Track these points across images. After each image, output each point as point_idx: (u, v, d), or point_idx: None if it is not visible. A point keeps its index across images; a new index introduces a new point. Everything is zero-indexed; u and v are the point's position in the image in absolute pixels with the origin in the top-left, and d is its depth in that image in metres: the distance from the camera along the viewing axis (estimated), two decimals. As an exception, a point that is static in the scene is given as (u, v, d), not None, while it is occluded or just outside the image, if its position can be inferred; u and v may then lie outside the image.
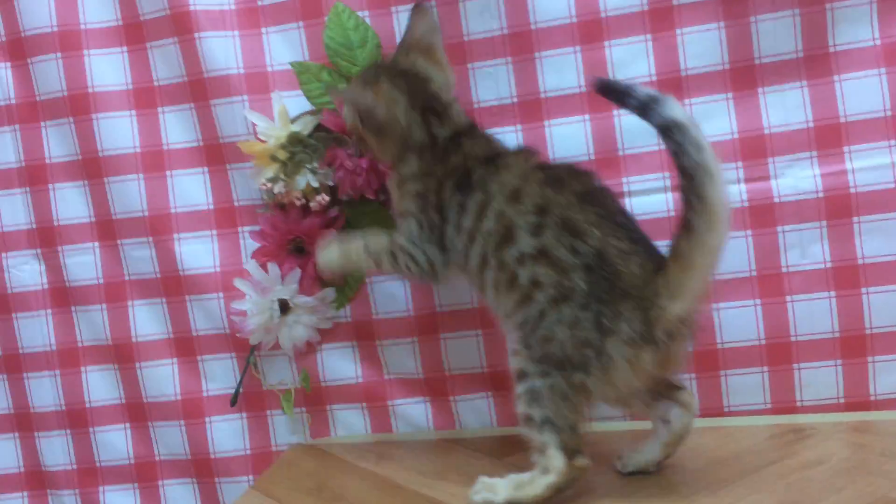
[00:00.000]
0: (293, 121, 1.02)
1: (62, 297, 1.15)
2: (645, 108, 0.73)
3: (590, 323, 0.75)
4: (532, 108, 1.02)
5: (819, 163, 0.98)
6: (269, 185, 1.01)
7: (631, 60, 0.99)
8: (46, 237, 1.15)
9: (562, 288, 0.76)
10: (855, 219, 0.97)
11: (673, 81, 0.99)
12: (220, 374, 1.13)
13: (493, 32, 1.01)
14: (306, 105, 1.04)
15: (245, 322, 1.06)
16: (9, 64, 1.13)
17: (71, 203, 1.13)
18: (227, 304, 1.09)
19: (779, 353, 1.00)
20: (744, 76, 0.98)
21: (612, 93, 0.77)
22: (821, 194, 0.97)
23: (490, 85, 1.02)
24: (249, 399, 1.13)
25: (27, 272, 1.16)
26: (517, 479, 0.80)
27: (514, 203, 0.80)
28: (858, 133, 0.97)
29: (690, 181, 0.71)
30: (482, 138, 0.89)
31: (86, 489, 1.18)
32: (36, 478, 1.20)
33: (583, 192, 0.80)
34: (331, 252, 0.94)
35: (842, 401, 1.00)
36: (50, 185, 1.14)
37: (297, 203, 1.03)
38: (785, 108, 0.98)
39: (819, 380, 1.00)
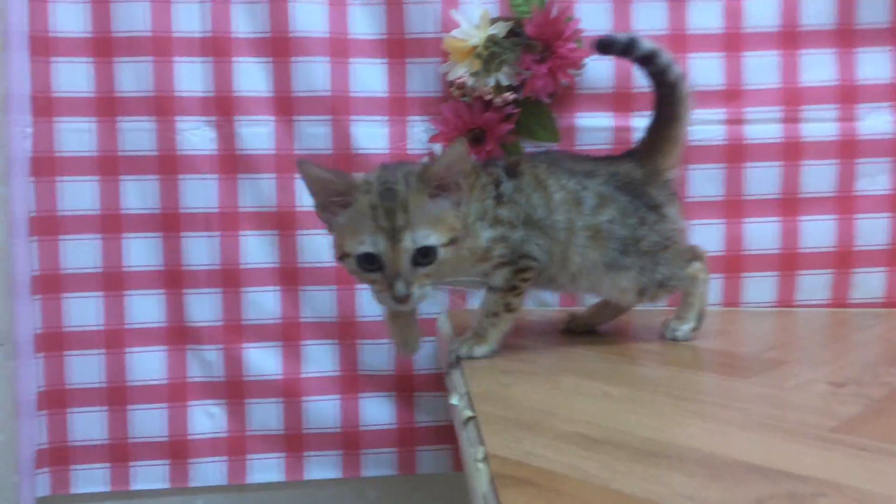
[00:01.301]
0: (491, 23, 1.18)
1: (232, 163, 1.24)
2: (627, 49, 1.02)
3: (646, 213, 0.97)
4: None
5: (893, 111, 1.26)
6: (467, 77, 1.17)
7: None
8: (224, 106, 1.23)
9: (623, 211, 0.96)
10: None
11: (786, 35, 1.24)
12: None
13: None
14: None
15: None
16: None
17: (252, 76, 1.23)
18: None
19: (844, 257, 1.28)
20: (844, 37, 1.25)
21: (608, 47, 1.03)
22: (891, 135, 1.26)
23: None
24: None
25: (198, 136, 1.24)
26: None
27: (555, 176, 0.97)
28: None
29: (674, 87, 1.02)
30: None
31: (230, 345, 1.27)
32: (178, 333, 1.27)
33: (567, 156, 1.05)
34: (489, 347, 0.94)
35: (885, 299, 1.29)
36: (234, 58, 1.23)
37: (486, 97, 1.19)
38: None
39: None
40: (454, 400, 0.79)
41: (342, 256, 0.85)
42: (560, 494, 0.52)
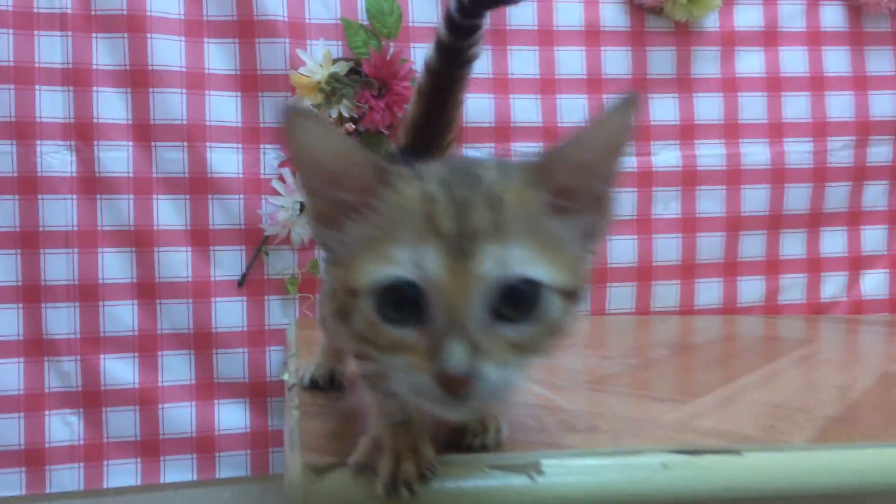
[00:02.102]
0: (334, 62, 1.33)
1: (91, 185, 1.33)
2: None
3: None
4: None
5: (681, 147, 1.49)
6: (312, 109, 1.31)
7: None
8: (83, 132, 1.32)
9: None
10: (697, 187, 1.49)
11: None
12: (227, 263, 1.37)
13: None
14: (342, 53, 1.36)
15: (273, 215, 1.33)
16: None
17: (111, 104, 1.33)
18: (246, 206, 1.35)
19: (644, 272, 1.49)
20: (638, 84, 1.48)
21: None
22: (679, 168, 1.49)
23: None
24: (251, 285, 1.38)
25: (58, 160, 1.32)
26: None
27: None
28: (703, 131, 1.50)
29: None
30: None
31: (87, 356, 1.34)
32: (36, 345, 1.33)
33: None
34: None
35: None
36: (94, 88, 1.32)
37: (328, 126, 1.33)
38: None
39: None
40: (285, 376, 0.91)
41: (348, 294, 0.47)
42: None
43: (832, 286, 1.57)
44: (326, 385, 0.81)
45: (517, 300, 0.44)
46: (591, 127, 0.49)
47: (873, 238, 1.57)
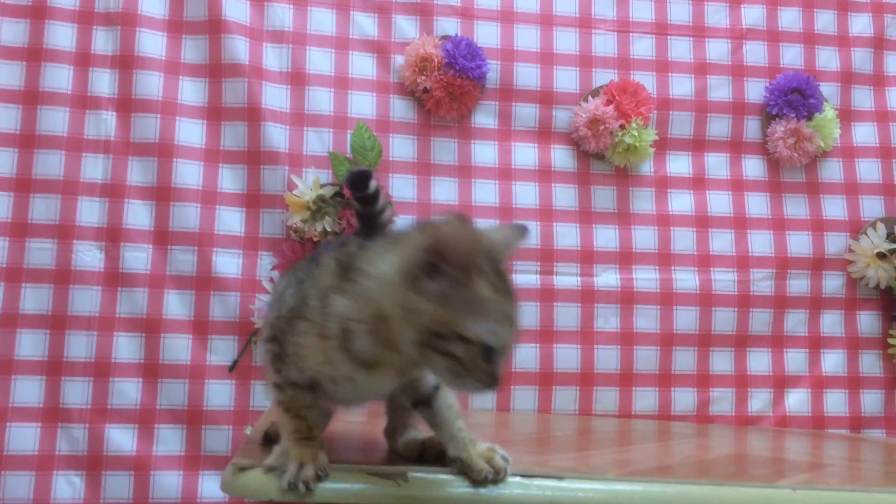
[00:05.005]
0: (322, 187, 1.61)
1: (114, 279, 1.60)
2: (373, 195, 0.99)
3: None
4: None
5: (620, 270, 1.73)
6: (300, 224, 1.58)
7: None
8: (113, 235, 1.60)
9: None
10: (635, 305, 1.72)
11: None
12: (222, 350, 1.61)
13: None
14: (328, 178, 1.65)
15: (261, 311, 1.58)
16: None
17: (139, 214, 1.61)
18: (242, 302, 1.61)
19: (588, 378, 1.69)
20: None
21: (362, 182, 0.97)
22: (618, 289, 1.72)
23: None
24: (241, 370, 1.61)
25: (89, 257, 1.59)
26: None
27: None
28: (640, 258, 1.74)
29: (379, 213, 1.00)
30: None
31: (95, 424, 1.56)
32: (52, 413, 1.56)
33: None
34: None
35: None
36: (126, 200, 1.61)
37: (314, 239, 1.60)
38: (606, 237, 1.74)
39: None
40: (247, 430, 1.12)
41: (448, 336, 0.70)
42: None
43: (759, 401, 1.75)
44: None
45: None
46: (508, 235, 0.80)
47: (795, 360, 1.76)
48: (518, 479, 0.80)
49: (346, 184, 0.98)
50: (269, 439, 1.00)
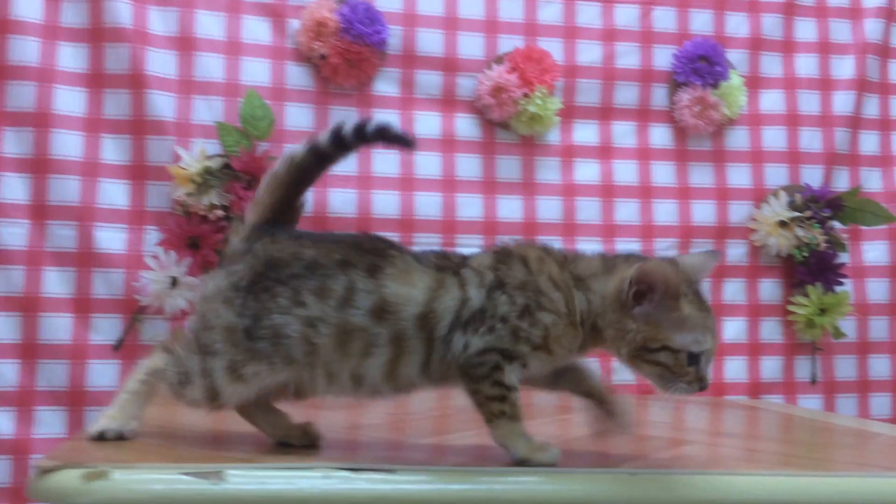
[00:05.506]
0: (209, 158, 1.54)
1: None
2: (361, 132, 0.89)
3: None
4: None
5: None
6: (184, 197, 1.52)
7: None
8: (-13, 209, 1.52)
9: None
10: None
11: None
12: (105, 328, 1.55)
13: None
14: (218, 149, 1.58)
15: (145, 288, 1.52)
16: None
17: (13, 187, 1.53)
18: (127, 279, 1.54)
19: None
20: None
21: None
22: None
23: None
24: (127, 349, 1.55)
25: (-38, 233, 1.51)
26: None
27: None
28: (544, 229, 1.70)
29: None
30: None
31: (-30, 407, 1.49)
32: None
33: None
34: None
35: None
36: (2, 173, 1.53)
37: (200, 213, 1.53)
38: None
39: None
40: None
41: (659, 349, 0.83)
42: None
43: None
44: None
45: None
46: (705, 261, 0.91)
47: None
48: (344, 472, 0.77)
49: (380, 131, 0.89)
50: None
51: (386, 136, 0.91)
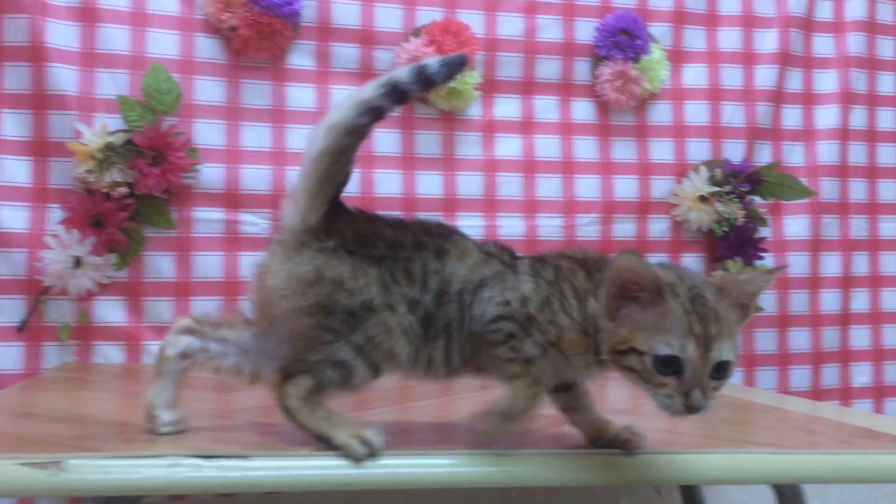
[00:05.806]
0: (111, 134, 1.49)
1: None
2: None
3: None
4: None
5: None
6: (85, 174, 1.47)
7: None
8: None
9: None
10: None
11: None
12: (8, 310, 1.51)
13: (257, 106, 1.60)
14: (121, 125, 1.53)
15: (47, 268, 1.47)
16: None
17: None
18: (30, 259, 1.49)
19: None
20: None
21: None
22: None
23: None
24: (31, 331, 1.51)
25: None
26: None
27: None
28: (465, 205, 1.68)
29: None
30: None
31: None
32: None
33: None
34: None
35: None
36: None
37: (103, 191, 1.49)
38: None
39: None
40: None
41: (627, 350, 0.77)
42: None
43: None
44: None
45: (720, 369, 0.77)
46: (757, 277, 0.82)
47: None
48: (194, 460, 0.75)
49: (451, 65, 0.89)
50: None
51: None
